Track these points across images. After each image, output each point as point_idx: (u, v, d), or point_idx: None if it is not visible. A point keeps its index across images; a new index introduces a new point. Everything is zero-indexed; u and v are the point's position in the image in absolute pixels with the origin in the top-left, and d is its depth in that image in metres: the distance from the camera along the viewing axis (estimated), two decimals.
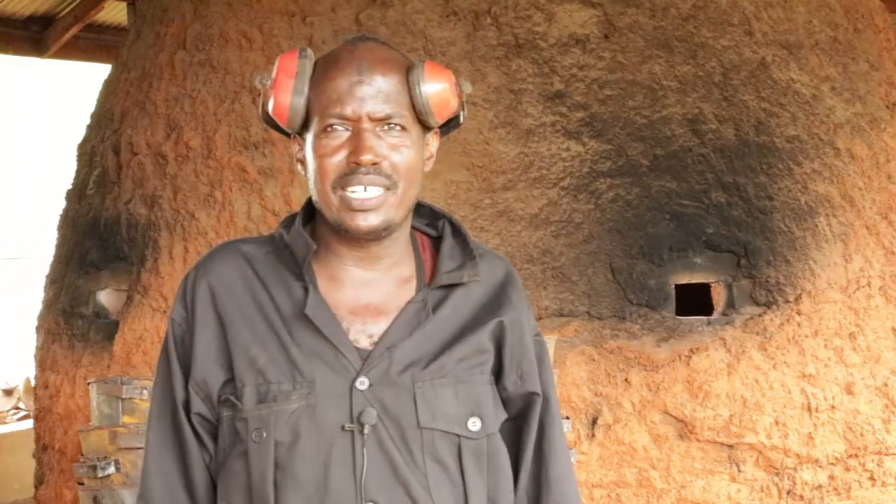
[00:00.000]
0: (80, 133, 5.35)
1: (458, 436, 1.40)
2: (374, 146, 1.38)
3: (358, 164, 1.37)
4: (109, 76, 5.26)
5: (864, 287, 4.31)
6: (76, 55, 7.40)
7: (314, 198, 1.44)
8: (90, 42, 7.26)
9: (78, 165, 5.25)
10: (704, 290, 4.27)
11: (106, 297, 4.83)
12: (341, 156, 1.39)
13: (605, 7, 4.37)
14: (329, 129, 1.39)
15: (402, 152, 1.40)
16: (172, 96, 4.64)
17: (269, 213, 4.28)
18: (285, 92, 1.41)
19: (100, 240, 4.79)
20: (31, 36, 6.97)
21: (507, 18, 4.32)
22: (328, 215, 1.42)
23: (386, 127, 1.40)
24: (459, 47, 4.30)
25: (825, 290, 4.21)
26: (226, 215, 4.36)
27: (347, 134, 1.39)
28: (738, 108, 4.34)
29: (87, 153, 5.14)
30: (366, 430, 1.36)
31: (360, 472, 1.35)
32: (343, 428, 1.36)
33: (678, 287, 4.20)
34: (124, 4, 6.36)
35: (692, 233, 4.18)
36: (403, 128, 1.41)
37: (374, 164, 1.38)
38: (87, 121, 5.30)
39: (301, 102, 1.41)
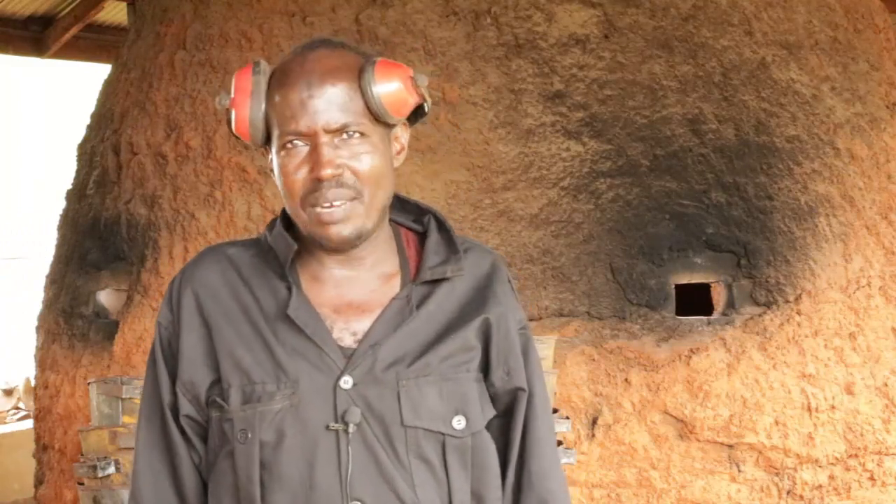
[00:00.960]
0: (80, 133, 5.35)
1: (443, 434, 1.40)
2: (333, 158, 1.38)
3: (320, 180, 1.37)
4: (109, 76, 5.26)
5: (864, 287, 4.31)
6: (76, 55, 7.40)
7: (288, 211, 1.45)
8: (90, 42, 7.26)
9: (78, 165, 5.25)
10: (704, 290, 4.27)
11: (106, 297, 4.83)
12: (304, 172, 1.39)
13: (605, 7, 4.37)
14: (288, 146, 1.39)
15: (363, 159, 1.39)
16: (172, 96, 4.64)
17: (268, 213, 4.28)
18: (244, 109, 1.41)
19: (100, 240, 4.79)
20: (31, 36, 6.96)
21: (507, 18, 4.32)
22: (302, 229, 1.43)
23: (345, 136, 1.39)
24: (459, 47, 4.30)
25: (825, 290, 4.21)
26: (226, 215, 4.36)
27: (307, 149, 1.39)
28: (738, 108, 4.34)
29: (87, 153, 5.14)
30: (350, 429, 1.36)
31: (345, 471, 1.36)
32: (328, 427, 1.37)
33: (678, 287, 4.19)
34: (124, 4, 6.36)
35: (692, 233, 4.18)
36: (363, 134, 1.40)
37: (336, 176, 1.37)
38: (87, 121, 5.30)
39: (259, 118, 1.41)
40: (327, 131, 1.38)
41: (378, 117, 1.41)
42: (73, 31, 6.78)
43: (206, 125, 4.48)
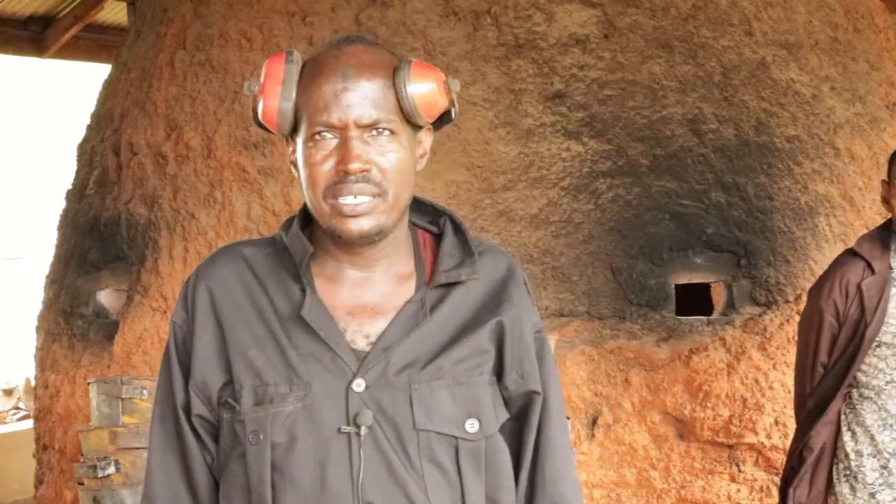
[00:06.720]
0: (80, 133, 5.35)
1: (456, 437, 1.40)
2: (362, 153, 1.37)
3: (347, 173, 1.36)
4: (109, 76, 5.27)
5: None
6: (76, 55, 7.40)
7: (307, 204, 1.44)
8: (90, 42, 7.26)
9: (78, 165, 5.25)
10: (704, 290, 4.27)
11: (106, 297, 4.83)
12: (330, 164, 1.38)
13: (605, 7, 4.37)
14: (317, 136, 1.38)
15: (390, 157, 1.39)
16: (172, 96, 4.64)
17: (269, 213, 4.28)
18: (273, 98, 1.40)
19: (100, 240, 4.79)
20: (31, 36, 6.97)
21: (507, 18, 4.32)
22: (321, 222, 1.42)
23: (374, 132, 1.38)
24: (459, 47, 4.30)
25: None
26: (226, 215, 4.36)
27: (335, 141, 1.38)
28: (738, 108, 4.34)
29: (87, 153, 5.14)
30: (362, 432, 1.36)
31: (357, 474, 1.35)
32: (339, 430, 1.36)
33: (678, 287, 4.20)
34: (124, 4, 6.36)
35: (692, 233, 4.18)
36: (392, 132, 1.39)
37: (363, 171, 1.36)
38: (87, 121, 5.30)
39: (289, 108, 1.40)
40: (359, 125, 1.37)
41: (409, 117, 1.41)
42: (73, 31, 6.78)
43: (206, 125, 4.48)
